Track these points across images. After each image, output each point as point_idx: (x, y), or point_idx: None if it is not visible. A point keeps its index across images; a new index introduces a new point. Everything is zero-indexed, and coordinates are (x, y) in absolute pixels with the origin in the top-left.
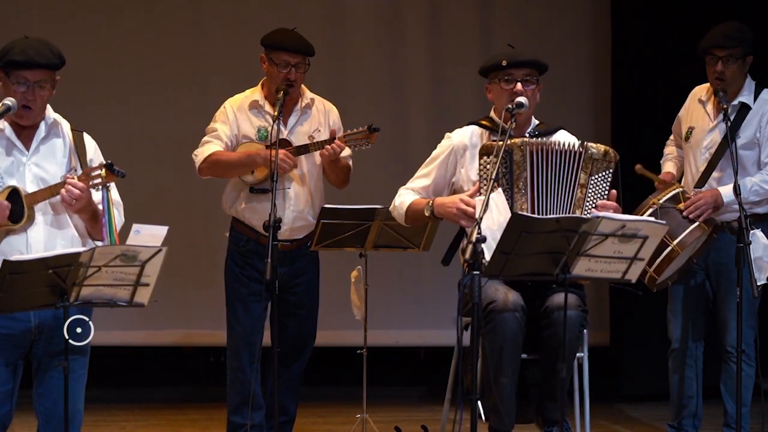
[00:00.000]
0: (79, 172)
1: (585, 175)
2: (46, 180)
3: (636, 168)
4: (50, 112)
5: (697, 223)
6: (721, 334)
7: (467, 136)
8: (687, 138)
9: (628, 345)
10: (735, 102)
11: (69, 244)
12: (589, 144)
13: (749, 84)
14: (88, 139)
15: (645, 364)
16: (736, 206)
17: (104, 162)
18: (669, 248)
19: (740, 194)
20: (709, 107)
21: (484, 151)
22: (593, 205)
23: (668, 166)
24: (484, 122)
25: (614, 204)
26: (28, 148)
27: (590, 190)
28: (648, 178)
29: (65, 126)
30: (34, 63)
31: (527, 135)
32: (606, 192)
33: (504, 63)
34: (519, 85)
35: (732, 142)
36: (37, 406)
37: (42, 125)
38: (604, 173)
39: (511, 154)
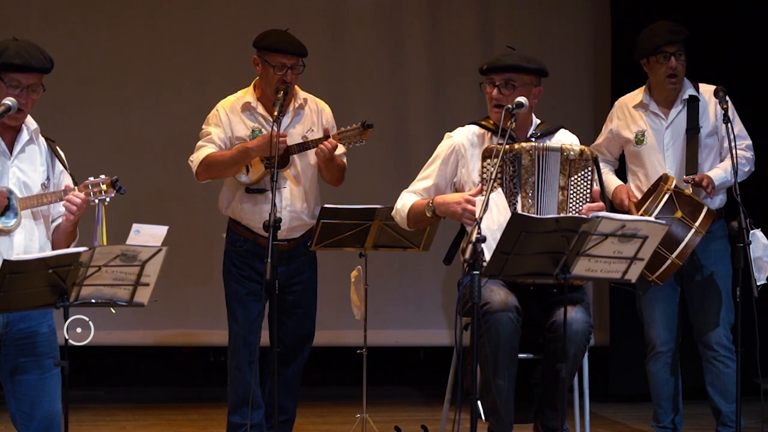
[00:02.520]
0: (61, 179)
1: (564, 178)
2: (28, 185)
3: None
4: (31, 119)
5: (707, 208)
6: (705, 332)
7: (468, 136)
8: (640, 142)
9: (627, 345)
10: (685, 96)
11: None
12: (564, 146)
13: (685, 78)
14: (59, 149)
15: (643, 365)
16: (721, 193)
17: (111, 177)
18: (692, 230)
19: (739, 194)
20: (655, 108)
21: (488, 153)
22: (578, 207)
23: (614, 179)
24: (485, 123)
25: (600, 204)
26: (11, 151)
27: (571, 192)
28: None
29: (40, 135)
30: (30, 67)
31: (532, 138)
32: (588, 192)
33: (483, 68)
34: (495, 91)
35: (732, 138)
36: (14, 410)
37: (24, 130)
38: (582, 173)
39: (519, 158)
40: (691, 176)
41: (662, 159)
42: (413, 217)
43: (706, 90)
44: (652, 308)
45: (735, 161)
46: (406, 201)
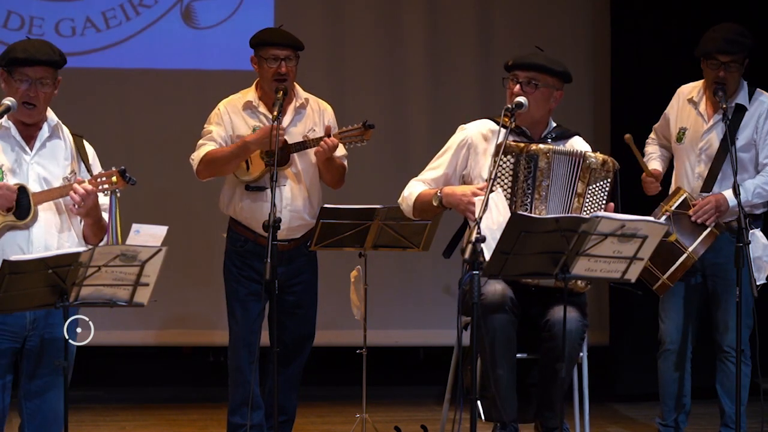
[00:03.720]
0: (82, 175)
1: (582, 185)
2: (48, 180)
3: (625, 137)
4: (52, 115)
5: (709, 229)
6: (719, 334)
7: (482, 130)
8: (680, 139)
9: (627, 345)
10: (731, 103)
11: (67, 246)
12: (587, 153)
13: (743, 85)
14: (87, 144)
15: (643, 364)
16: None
17: (119, 168)
18: (684, 255)
19: (739, 194)
20: (702, 108)
21: (500, 150)
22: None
23: (655, 164)
24: (499, 119)
25: None
26: (31, 148)
27: (587, 200)
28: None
29: (66, 130)
30: (35, 60)
31: (548, 140)
32: (603, 202)
33: (509, 63)
34: (517, 87)
35: (732, 143)
36: (24, 403)
37: (45, 126)
38: (601, 183)
39: (536, 160)
40: (699, 196)
41: (694, 163)
42: (419, 205)
43: (761, 100)
44: (667, 306)
45: (734, 164)
46: (413, 189)
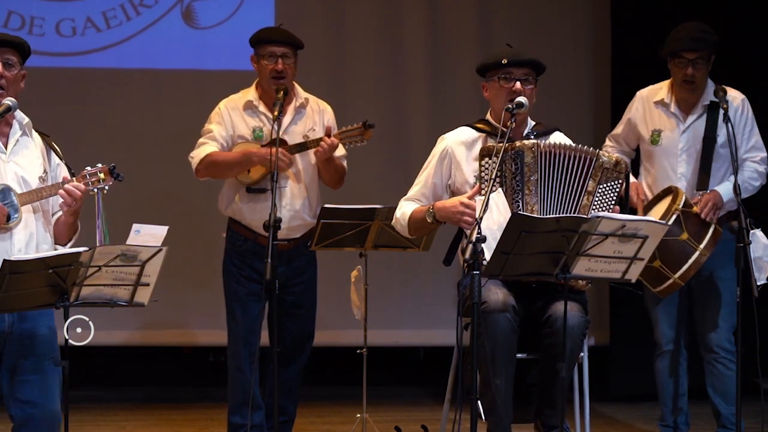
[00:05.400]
0: (59, 171)
1: (593, 183)
2: (26, 180)
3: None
4: (22, 113)
5: (713, 227)
6: (706, 334)
7: (461, 138)
8: (655, 141)
9: (627, 345)
10: (706, 102)
11: (45, 248)
12: (601, 152)
13: (710, 83)
14: (53, 143)
15: (644, 364)
16: (731, 205)
17: (108, 165)
18: (697, 253)
19: (740, 194)
20: (674, 108)
21: (486, 153)
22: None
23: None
24: (479, 125)
25: None
26: (5, 146)
27: (597, 199)
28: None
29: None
30: None
31: (532, 137)
32: (612, 203)
33: (504, 61)
34: (518, 84)
35: (733, 142)
36: (14, 411)
37: (16, 124)
38: (612, 183)
39: (522, 155)
40: (700, 195)
41: (675, 164)
42: (414, 224)
43: (732, 96)
44: (657, 307)
45: (735, 163)
46: (405, 209)
